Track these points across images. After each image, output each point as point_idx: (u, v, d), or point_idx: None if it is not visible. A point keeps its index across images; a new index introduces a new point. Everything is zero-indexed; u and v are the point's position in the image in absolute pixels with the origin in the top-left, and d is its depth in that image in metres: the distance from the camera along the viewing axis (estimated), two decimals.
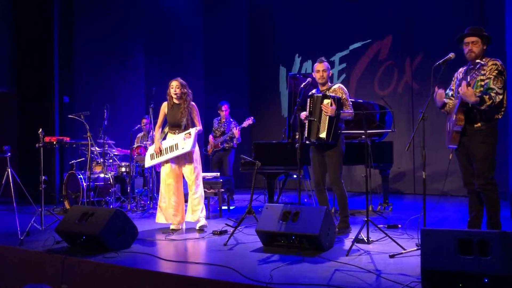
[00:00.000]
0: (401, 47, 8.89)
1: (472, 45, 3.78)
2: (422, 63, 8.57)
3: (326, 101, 4.51)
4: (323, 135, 4.54)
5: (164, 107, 5.24)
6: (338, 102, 4.56)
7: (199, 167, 5.19)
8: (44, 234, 4.65)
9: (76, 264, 3.79)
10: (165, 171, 5.16)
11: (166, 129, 5.54)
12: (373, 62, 9.21)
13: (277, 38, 10.40)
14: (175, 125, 5.14)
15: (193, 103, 5.19)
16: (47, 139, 5.60)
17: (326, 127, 4.53)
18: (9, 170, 4.93)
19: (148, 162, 5.36)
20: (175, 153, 5.03)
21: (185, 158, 5.12)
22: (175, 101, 5.14)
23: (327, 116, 4.51)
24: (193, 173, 5.08)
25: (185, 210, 5.22)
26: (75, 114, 5.31)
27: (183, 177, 5.21)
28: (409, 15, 8.78)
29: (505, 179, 6.34)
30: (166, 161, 5.13)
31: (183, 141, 5.02)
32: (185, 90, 5.12)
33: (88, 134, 4.95)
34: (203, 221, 5.07)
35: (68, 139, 6.19)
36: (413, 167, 8.60)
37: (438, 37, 8.02)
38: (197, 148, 5.18)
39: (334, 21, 9.60)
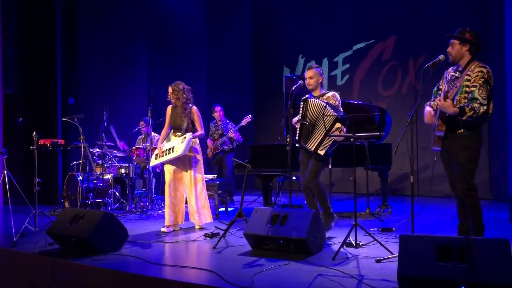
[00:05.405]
0: (404, 47, 8.80)
1: (450, 47, 3.81)
2: (426, 63, 8.30)
3: (338, 125, 4.49)
4: (320, 151, 4.54)
5: (168, 110, 5.32)
6: (345, 123, 4.53)
7: (200, 175, 5.20)
8: (37, 236, 4.68)
9: (64, 266, 3.82)
10: (165, 172, 5.26)
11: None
12: (376, 63, 9.12)
13: (280, 38, 10.36)
14: (176, 128, 5.20)
15: (194, 107, 5.20)
16: (41, 141, 5.68)
17: (323, 143, 4.54)
18: (5, 172, 5.01)
19: (152, 162, 5.43)
20: (171, 156, 5.07)
21: (184, 163, 5.16)
22: (175, 104, 5.19)
23: (332, 138, 4.50)
24: (192, 181, 5.14)
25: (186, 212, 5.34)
26: (68, 117, 5.35)
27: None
28: (413, 15, 8.69)
29: (505, 182, 6.23)
30: (167, 163, 5.18)
31: (178, 145, 5.04)
32: (179, 94, 5.11)
33: (81, 137, 4.99)
34: (197, 225, 5.26)
35: (63, 141, 6.24)
36: (416, 168, 8.49)
37: (442, 37, 7.89)
38: (199, 157, 5.22)
39: (337, 21, 9.54)
